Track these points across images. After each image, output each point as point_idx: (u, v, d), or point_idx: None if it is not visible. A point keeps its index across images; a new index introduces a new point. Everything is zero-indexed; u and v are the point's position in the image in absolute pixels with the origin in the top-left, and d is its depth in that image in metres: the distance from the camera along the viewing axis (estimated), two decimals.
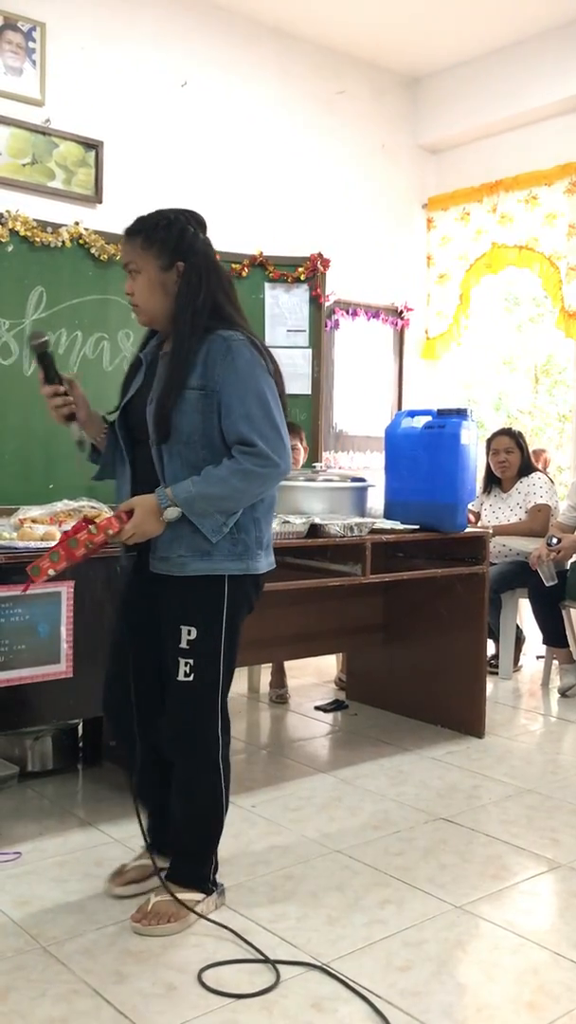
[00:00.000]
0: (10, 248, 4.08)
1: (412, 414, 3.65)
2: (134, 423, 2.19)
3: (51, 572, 2.06)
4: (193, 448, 2.09)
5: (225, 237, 4.81)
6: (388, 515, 3.57)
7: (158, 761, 2.28)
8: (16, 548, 2.52)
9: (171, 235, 2.11)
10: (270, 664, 4.28)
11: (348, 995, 1.93)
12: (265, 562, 2.23)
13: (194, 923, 2.19)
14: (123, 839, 2.66)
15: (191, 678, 2.17)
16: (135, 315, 2.19)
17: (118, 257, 4.43)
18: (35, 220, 4.17)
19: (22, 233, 4.12)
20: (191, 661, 2.16)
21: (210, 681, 2.19)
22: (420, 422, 3.56)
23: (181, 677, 2.17)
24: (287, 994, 1.93)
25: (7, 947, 2.09)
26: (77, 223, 4.29)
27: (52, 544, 2.21)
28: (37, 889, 2.37)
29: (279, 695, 4.21)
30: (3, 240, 4.07)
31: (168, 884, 2.21)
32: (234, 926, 2.19)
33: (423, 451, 3.47)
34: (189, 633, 2.15)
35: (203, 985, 1.95)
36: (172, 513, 2.05)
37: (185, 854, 2.26)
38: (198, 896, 2.23)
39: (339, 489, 3.42)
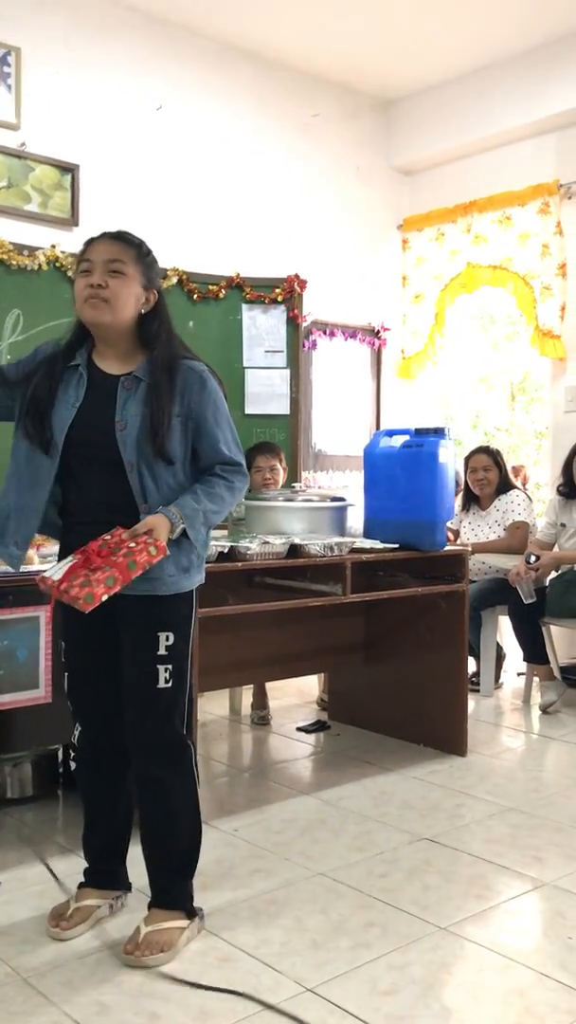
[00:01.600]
0: None
1: (390, 433, 3.66)
2: (87, 442, 2.15)
3: (104, 598, 2.01)
4: (173, 471, 2.16)
5: (202, 259, 4.86)
6: (368, 534, 3.58)
7: (118, 784, 2.31)
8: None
9: (154, 265, 2.22)
10: (251, 686, 4.25)
11: (333, 1021, 1.91)
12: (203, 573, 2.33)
13: (182, 950, 2.16)
14: None
15: (170, 684, 2.18)
16: (92, 308, 2.13)
17: None
18: (11, 243, 4.17)
19: None
20: (170, 667, 2.17)
21: (183, 688, 2.22)
22: (398, 441, 3.57)
23: (161, 684, 2.16)
24: (272, 1022, 1.91)
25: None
26: (54, 246, 4.29)
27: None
28: (16, 917, 2.34)
29: (261, 717, 4.19)
30: None
31: (156, 912, 2.21)
32: (218, 954, 2.17)
33: (401, 470, 3.48)
34: (167, 639, 2.17)
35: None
36: (178, 519, 2.12)
37: (171, 873, 2.25)
38: (184, 922, 2.21)
39: (318, 509, 3.42)
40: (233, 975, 2.08)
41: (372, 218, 5.84)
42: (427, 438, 3.46)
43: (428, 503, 3.43)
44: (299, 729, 4.07)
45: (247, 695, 4.32)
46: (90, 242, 2.19)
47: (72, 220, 4.47)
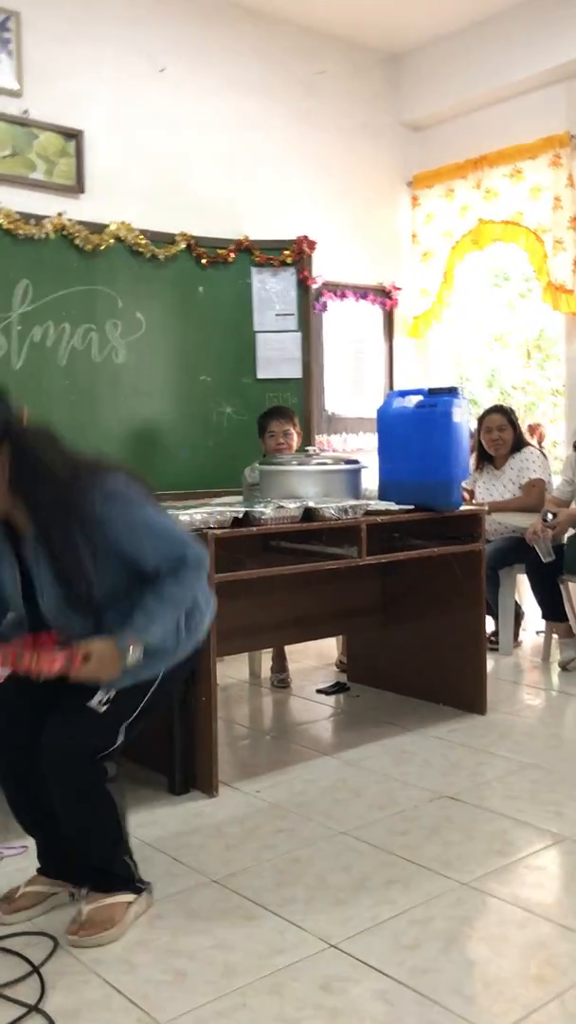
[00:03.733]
0: None
1: (403, 394, 3.64)
2: (41, 614, 2.09)
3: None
4: (117, 593, 2.08)
5: (210, 222, 4.82)
6: (383, 496, 3.57)
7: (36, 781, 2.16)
8: None
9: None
10: (270, 649, 4.28)
11: (358, 975, 1.94)
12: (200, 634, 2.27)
13: (130, 925, 2.14)
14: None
15: (104, 709, 2.06)
16: None
17: (103, 247, 4.41)
18: (17, 212, 4.15)
19: (5, 226, 4.10)
20: (111, 695, 2.06)
21: (116, 723, 2.10)
22: (412, 402, 3.55)
23: (94, 704, 2.05)
24: (297, 976, 1.94)
25: (17, 940, 2.10)
26: (60, 214, 4.27)
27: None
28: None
29: (280, 680, 4.22)
30: None
31: (96, 893, 2.14)
32: (242, 912, 2.20)
33: (415, 431, 3.46)
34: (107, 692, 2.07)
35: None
36: (134, 657, 2.02)
37: (101, 864, 2.17)
38: (130, 897, 2.17)
39: (332, 472, 3.41)
40: (257, 932, 2.12)
41: (381, 176, 5.76)
42: (441, 398, 3.44)
43: (443, 463, 3.41)
44: (319, 691, 4.10)
45: (266, 659, 4.35)
46: None
47: (78, 187, 4.44)
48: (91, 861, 2.18)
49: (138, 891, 2.21)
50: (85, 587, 2.02)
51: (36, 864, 2.29)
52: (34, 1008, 1.83)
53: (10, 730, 2.15)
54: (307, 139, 5.37)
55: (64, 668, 1.99)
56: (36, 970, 1.96)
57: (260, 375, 4.89)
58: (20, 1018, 1.81)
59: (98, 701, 2.05)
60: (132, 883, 2.21)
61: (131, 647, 2.02)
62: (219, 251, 4.78)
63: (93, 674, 2.00)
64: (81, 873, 2.20)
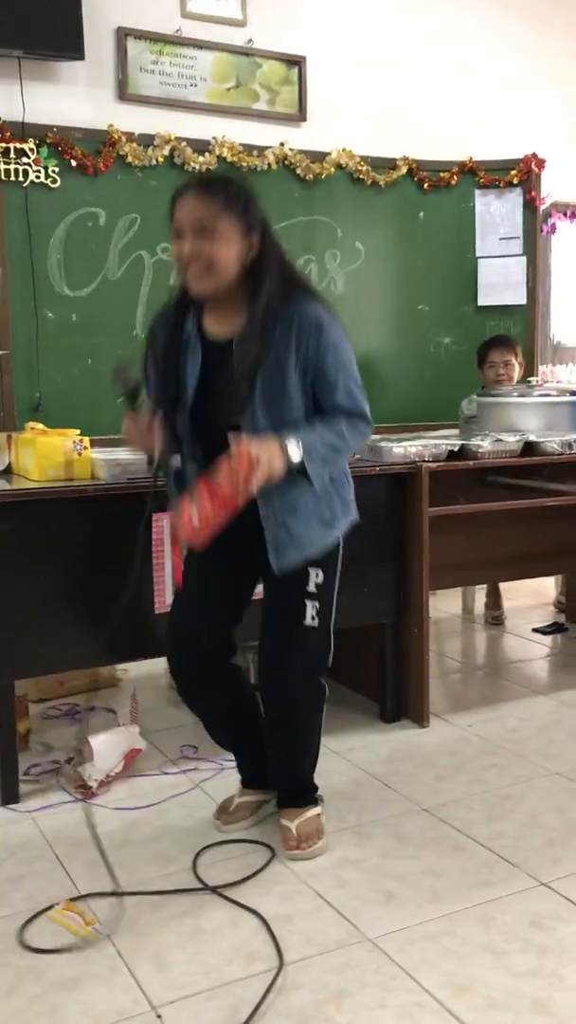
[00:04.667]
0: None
1: None
2: (212, 411, 2.06)
3: (194, 513, 1.93)
4: (296, 424, 2.03)
5: (432, 145, 4.66)
6: None
7: (237, 700, 2.25)
8: None
9: (249, 202, 1.99)
10: (485, 586, 4.21)
11: (568, 915, 1.91)
12: (355, 510, 2.23)
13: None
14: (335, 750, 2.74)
15: (316, 622, 2.14)
16: (193, 280, 1.98)
17: (324, 176, 4.38)
18: (241, 145, 4.19)
19: (229, 159, 4.16)
20: (317, 604, 2.14)
21: (328, 626, 2.18)
22: None
23: (308, 621, 2.13)
24: (505, 910, 1.94)
25: (237, 847, 2.22)
26: (282, 144, 4.27)
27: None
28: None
29: (495, 617, 4.15)
30: (211, 167, 4.12)
31: (292, 809, 2.24)
32: (452, 842, 2.22)
33: None
34: (317, 576, 2.13)
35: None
36: (295, 452, 1.96)
37: (299, 779, 2.28)
38: (318, 809, 2.27)
39: (556, 404, 3.27)
40: (466, 864, 2.13)
41: None
42: None
43: None
44: (535, 630, 4.00)
45: (480, 595, 4.29)
46: (177, 197, 1.98)
47: (300, 115, 4.41)
48: (294, 776, 2.28)
49: (319, 801, 2.30)
50: (280, 384, 2.00)
51: (220, 777, 2.43)
52: (252, 911, 1.95)
53: (198, 653, 2.20)
54: (538, 48, 5.02)
55: (241, 488, 1.90)
56: (255, 874, 2.07)
57: (481, 302, 4.72)
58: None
59: (314, 583, 2.11)
60: (315, 794, 2.31)
61: (293, 443, 1.96)
62: (441, 174, 4.62)
63: (265, 473, 1.91)
64: (279, 786, 2.30)
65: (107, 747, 2.56)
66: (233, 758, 2.41)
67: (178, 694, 2.36)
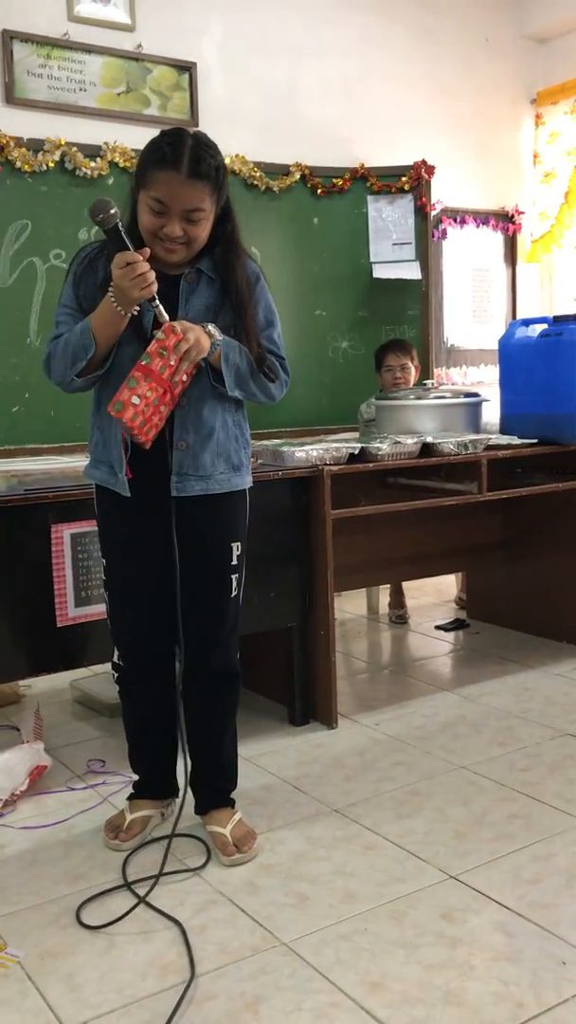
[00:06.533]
0: (110, 181, 4.07)
1: (527, 323, 3.51)
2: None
3: (135, 400, 1.94)
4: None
5: (324, 152, 4.71)
6: (504, 430, 3.48)
7: (166, 698, 2.28)
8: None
9: (225, 176, 2.04)
10: (388, 585, 4.28)
11: (477, 906, 1.95)
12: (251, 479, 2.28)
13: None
14: None
15: (237, 593, 2.22)
16: (167, 252, 2.02)
17: None
18: (133, 150, 4.15)
19: (121, 164, 4.11)
20: (238, 576, 2.21)
21: (240, 592, 2.25)
22: (536, 331, 3.42)
23: (232, 593, 2.20)
24: (416, 905, 1.97)
25: (148, 859, 2.20)
26: None
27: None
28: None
29: (398, 615, 4.22)
30: (103, 173, 4.07)
31: (220, 812, 2.26)
32: (362, 841, 2.24)
33: (540, 361, 3.34)
34: (237, 549, 2.20)
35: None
36: (216, 333, 2.03)
37: (229, 771, 2.31)
38: (237, 812, 2.29)
39: (451, 405, 3.35)
40: (377, 861, 2.15)
41: (503, 94, 5.49)
42: (567, 325, 3.30)
43: (569, 394, 3.28)
44: (438, 627, 4.08)
45: (384, 594, 4.35)
46: (161, 173, 1.96)
47: (192, 121, 4.39)
48: (222, 772, 2.29)
49: (233, 804, 2.31)
50: (220, 319, 2.07)
51: (129, 791, 2.39)
52: (172, 919, 1.92)
53: (149, 652, 2.25)
54: (425, 58, 5.14)
55: (171, 362, 1.95)
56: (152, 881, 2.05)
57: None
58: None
59: (235, 556, 2.17)
60: (229, 796, 2.32)
61: (213, 328, 2.03)
62: (334, 180, 4.68)
63: (195, 335, 1.96)
64: (206, 788, 2.29)
65: (11, 765, 2.50)
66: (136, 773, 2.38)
67: (125, 685, 2.30)
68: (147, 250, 1.96)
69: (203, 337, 2.00)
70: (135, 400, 1.96)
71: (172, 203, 1.97)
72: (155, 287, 1.96)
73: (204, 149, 1.98)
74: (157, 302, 1.98)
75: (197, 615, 2.19)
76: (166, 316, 1.99)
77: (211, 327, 2.03)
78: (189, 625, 2.19)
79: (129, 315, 1.99)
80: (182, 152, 1.96)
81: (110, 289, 1.97)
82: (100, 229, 1.95)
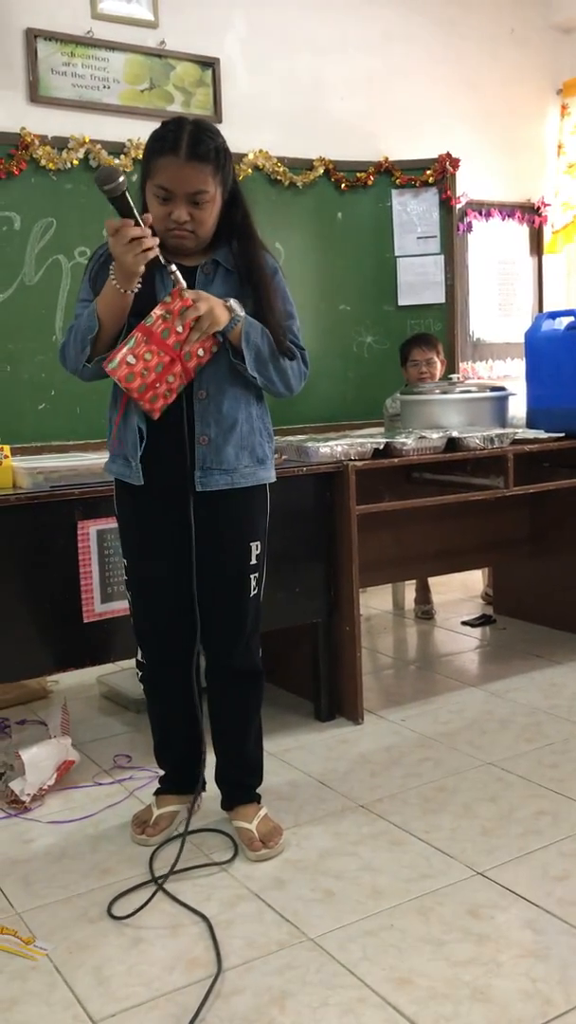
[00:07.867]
0: (134, 177, 4.06)
1: (553, 315, 3.48)
2: None
3: (130, 359, 1.91)
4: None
5: (348, 146, 4.70)
6: (531, 424, 3.45)
7: (190, 695, 2.23)
8: None
9: (229, 158, 2.03)
10: (414, 581, 4.26)
11: (505, 903, 1.94)
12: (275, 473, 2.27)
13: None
14: None
15: (256, 591, 2.20)
16: (177, 239, 2.01)
17: (241, 178, 4.37)
18: None
19: None
20: (257, 575, 2.19)
21: (260, 591, 2.23)
22: (563, 323, 3.39)
23: (252, 592, 2.19)
24: (443, 901, 1.96)
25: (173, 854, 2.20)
26: None
27: None
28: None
29: (424, 611, 4.20)
30: (127, 170, 4.08)
31: (246, 808, 2.26)
32: (389, 837, 2.24)
33: (567, 354, 3.31)
34: (256, 548, 2.18)
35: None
36: (237, 308, 2.00)
37: (254, 767, 2.31)
38: (263, 807, 2.29)
39: (477, 400, 3.32)
40: (404, 858, 2.14)
41: (528, 85, 5.44)
42: None
43: None
44: (464, 623, 4.06)
45: (410, 590, 4.33)
46: (162, 160, 1.95)
47: (215, 117, 4.40)
48: (247, 768, 2.29)
49: (260, 799, 2.31)
50: (248, 308, 2.05)
51: (156, 786, 2.40)
52: (199, 913, 1.93)
53: (171, 651, 2.23)
54: (449, 51, 5.11)
55: (176, 327, 1.91)
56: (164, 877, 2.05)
57: (402, 302, 4.78)
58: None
59: (255, 556, 2.15)
60: (255, 791, 2.32)
61: (235, 303, 2.01)
62: (358, 174, 4.66)
63: (210, 304, 1.95)
64: (232, 783, 2.30)
65: (39, 760, 2.52)
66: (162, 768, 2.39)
67: (149, 682, 2.31)
68: (148, 216, 1.93)
69: (220, 309, 1.97)
70: (130, 360, 1.92)
71: (175, 187, 1.96)
72: (153, 252, 1.90)
73: (203, 132, 1.98)
74: (174, 267, 1.95)
75: (217, 615, 2.18)
76: (183, 283, 1.95)
77: (232, 302, 2.01)
78: (209, 625, 2.18)
79: (131, 293, 1.94)
80: (181, 136, 1.95)
81: (110, 267, 1.96)
82: (107, 199, 1.89)
